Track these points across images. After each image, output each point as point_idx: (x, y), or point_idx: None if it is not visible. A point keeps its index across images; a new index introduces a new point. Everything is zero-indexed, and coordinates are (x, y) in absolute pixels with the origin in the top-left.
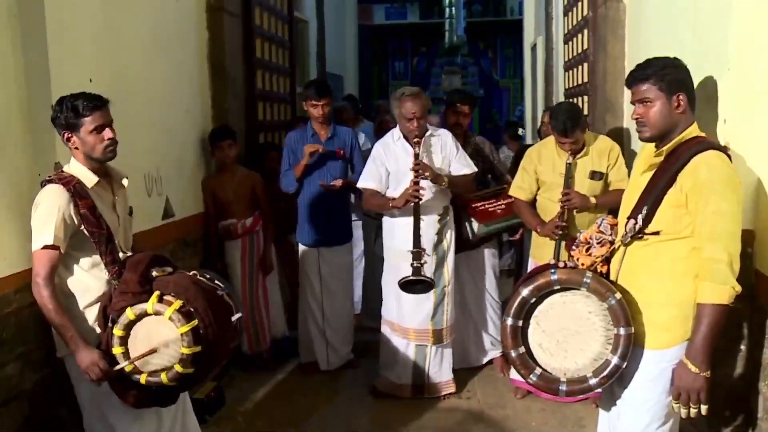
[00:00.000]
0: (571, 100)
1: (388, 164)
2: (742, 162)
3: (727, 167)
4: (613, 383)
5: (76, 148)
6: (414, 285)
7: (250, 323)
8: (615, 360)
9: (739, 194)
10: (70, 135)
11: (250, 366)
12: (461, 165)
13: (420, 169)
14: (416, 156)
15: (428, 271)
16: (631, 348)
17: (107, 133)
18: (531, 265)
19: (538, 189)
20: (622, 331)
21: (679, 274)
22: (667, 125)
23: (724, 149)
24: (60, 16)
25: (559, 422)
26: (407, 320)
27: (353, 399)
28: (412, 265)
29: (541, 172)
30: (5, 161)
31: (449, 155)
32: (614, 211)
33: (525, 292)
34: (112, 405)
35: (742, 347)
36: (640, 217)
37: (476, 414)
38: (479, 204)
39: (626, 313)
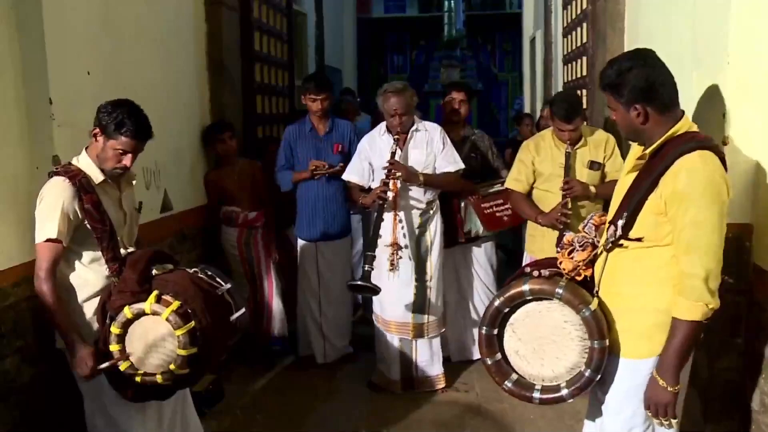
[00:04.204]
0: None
1: (372, 158)
2: (741, 155)
3: (711, 173)
4: (596, 389)
5: (96, 141)
6: (361, 288)
7: (253, 306)
8: (588, 373)
9: (721, 203)
10: (98, 134)
11: (249, 359)
12: (446, 162)
13: (393, 168)
14: (392, 155)
15: (407, 265)
16: (608, 357)
17: (126, 160)
18: (527, 260)
19: (534, 182)
20: (596, 344)
21: (659, 281)
22: (633, 133)
23: (715, 147)
24: (57, 8)
25: (556, 415)
26: (388, 312)
27: (351, 393)
28: (362, 267)
29: (538, 163)
30: (2, 154)
31: (435, 151)
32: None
33: (497, 302)
34: (112, 398)
35: (739, 341)
36: (620, 223)
37: (474, 407)
38: (488, 206)
39: (600, 326)
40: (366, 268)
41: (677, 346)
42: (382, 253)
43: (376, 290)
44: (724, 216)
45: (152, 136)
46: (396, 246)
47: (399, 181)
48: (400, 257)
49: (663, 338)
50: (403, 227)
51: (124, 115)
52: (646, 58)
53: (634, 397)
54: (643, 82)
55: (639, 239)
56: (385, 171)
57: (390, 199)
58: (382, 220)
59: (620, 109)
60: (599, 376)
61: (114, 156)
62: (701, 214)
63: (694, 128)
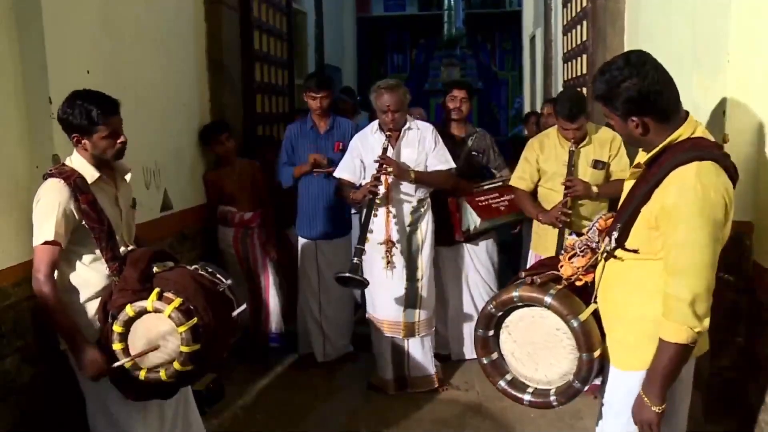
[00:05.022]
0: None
1: (364, 156)
2: (741, 153)
3: (704, 189)
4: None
5: (85, 149)
6: (348, 280)
7: (252, 305)
8: (576, 384)
9: (714, 223)
10: (80, 138)
11: (249, 357)
12: (437, 161)
13: (384, 163)
14: (384, 150)
15: (399, 264)
16: (606, 361)
17: (120, 137)
18: (532, 258)
19: (539, 180)
20: (584, 356)
21: (651, 292)
22: (634, 142)
23: (718, 156)
24: (57, 8)
25: (557, 413)
26: (380, 311)
27: (352, 392)
28: (351, 260)
29: (542, 162)
30: (2, 153)
31: (427, 149)
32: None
33: (490, 306)
34: (114, 398)
35: (740, 339)
36: (614, 235)
37: (475, 406)
38: (482, 198)
39: (589, 338)
40: (355, 261)
41: (661, 367)
42: (376, 251)
43: (363, 283)
44: (717, 236)
45: (118, 101)
46: (390, 243)
47: (390, 177)
48: (395, 254)
49: (652, 351)
50: (396, 224)
51: (85, 106)
52: (638, 67)
53: (627, 406)
54: (637, 94)
55: (635, 251)
56: (376, 166)
57: (381, 194)
58: (373, 215)
59: (617, 120)
60: (587, 388)
61: (108, 143)
62: (690, 234)
63: (699, 131)
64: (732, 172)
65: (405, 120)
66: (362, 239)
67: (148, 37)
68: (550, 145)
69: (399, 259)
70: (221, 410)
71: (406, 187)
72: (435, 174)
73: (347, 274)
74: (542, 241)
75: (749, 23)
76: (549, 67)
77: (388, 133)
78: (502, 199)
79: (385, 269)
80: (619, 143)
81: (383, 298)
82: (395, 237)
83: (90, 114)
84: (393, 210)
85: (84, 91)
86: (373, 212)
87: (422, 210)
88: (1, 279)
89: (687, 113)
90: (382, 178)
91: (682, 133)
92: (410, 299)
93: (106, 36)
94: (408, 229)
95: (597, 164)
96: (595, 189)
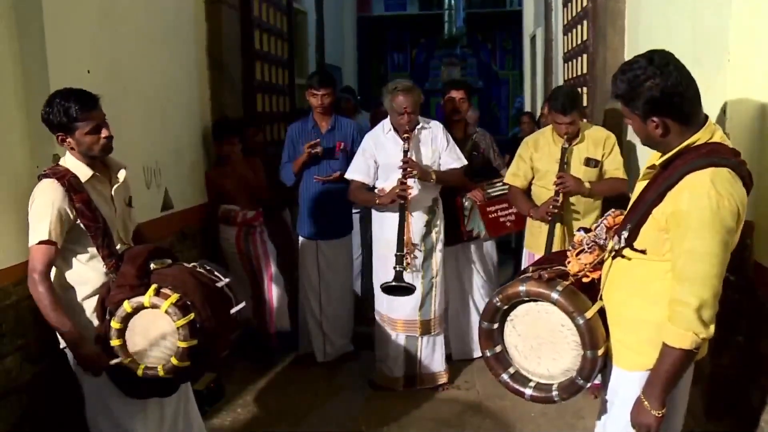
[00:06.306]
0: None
1: (377, 156)
2: (741, 153)
3: (717, 197)
4: (603, 388)
5: (72, 148)
6: (395, 289)
7: (255, 303)
8: (579, 381)
9: (725, 231)
10: (64, 137)
11: (252, 356)
12: (451, 159)
13: (408, 167)
14: (405, 153)
15: (416, 263)
16: (603, 361)
17: (103, 132)
18: (526, 256)
19: (534, 178)
20: (588, 354)
21: (656, 294)
22: (652, 144)
23: (735, 164)
24: (57, 7)
25: (558, 413)
26: (395, 311)
27: (353, 391)
28: (394, 268)
29: (536, 160)
30: (3, 154)
31: (440, 148)
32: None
33: (496, 299)
34: (114, 396)
35: (740, 338)
36: (624, 234)
37: (475, 405)
38: (492, 209)
39: (594, 336)
40: (397, 269)
41: (663, 372)
42: (391, 251)
43: (410, 289)
44: (727, 245)
45: (97, 95)
46: (411, 246)
47: (413, 181)
48: (415, 257)
49: (655, 354)
50: (415, 225)
51: (62, 104)
52: (661, 67)
53: (628, 407)
54: (660, 94)
55: (643, 251)
56: (401, 170)
57: (410, 198)
58: (405, 220)
59: (636, 120)
60: (589, 385)
61: (92, 139)
62: (699, 242)
63: (718, 137)
64: (747, 180)
65: (418, 120)
66: (400, 245)
67: (148, 36)
68: (544, 143)
69: (417, 259)
70: (221, 409)
71: (423, 188)
72: (451, 173)
73: (393, 283)
74: (535, 240)
75: (749, 23)
76: (549, 67)
77: (405, 135)
78: (510, 211)
79: (405, 271)
80: (612, 142)
81: (399, 298)
82: (415, 239)
83: (68, 111)
84: (412, 213)
85: (62, 90)
86: (404, 216)
87: (437, 209)
88: (1, 278)
89: (707, 117)
90: (408, 182)
91: (700, 137)
92: (426, 297)
93: (106, 36)
94: (424, 228)
95: (590, 162)
96: (587, 185)
